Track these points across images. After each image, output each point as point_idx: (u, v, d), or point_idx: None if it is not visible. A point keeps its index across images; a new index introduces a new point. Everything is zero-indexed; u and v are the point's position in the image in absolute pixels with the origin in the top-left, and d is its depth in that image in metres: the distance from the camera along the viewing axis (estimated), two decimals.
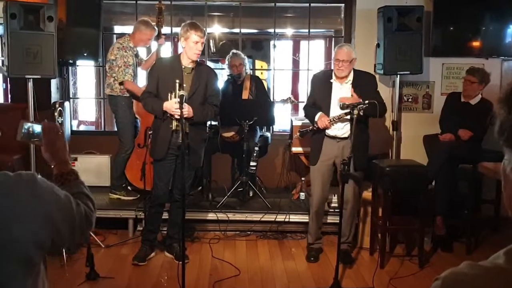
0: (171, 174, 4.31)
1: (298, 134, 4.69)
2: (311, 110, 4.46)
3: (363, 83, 4.30)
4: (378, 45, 5.27)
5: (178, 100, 3.85)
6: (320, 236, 4.66)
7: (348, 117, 4.06)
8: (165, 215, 4.54)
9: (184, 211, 3.70)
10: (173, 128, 4.11)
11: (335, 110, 4.25)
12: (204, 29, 4.21)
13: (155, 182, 4.44)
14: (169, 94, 4.05)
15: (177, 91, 3.97)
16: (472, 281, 0.91)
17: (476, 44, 5.53)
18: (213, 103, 4.26)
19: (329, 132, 4.33)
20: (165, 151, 4.19)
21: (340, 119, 4.21)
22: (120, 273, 4.15)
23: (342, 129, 4.29)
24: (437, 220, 4.69)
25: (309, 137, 4.68)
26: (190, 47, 4.09)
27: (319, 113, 4.31)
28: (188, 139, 4.01)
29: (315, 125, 4.36)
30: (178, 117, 3.93)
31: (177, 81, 4.01)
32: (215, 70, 4.71)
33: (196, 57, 4.17)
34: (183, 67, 4.17)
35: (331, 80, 4.36)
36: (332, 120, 4.24)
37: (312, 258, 4.52)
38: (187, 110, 3.99)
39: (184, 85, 4.08)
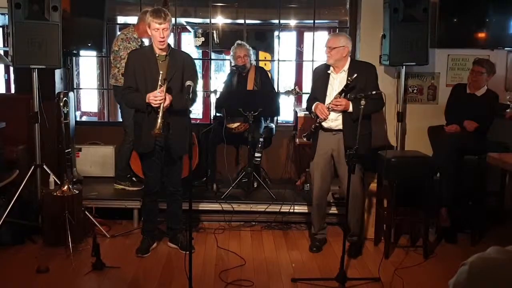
0: (160, 164, 4.26)
1: (304, 138, 4.51)
2: (309, 103, 4.42)
3: (359, 73, 4.11)
4: (383, 36, 5.24)
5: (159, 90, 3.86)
6: (324, 226, 4.66)
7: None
8: (163, 206, 4.53)
9: (190, 202, 3.57)
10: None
11: (329, 100, 4.22)
12: (168, 15, 4.00)
13: (145, 174, 4.43)
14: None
15: (159, 82, 3.91)
16: (501, 266, 0.90)
17: (481, 35, 5.51)
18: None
19: (324, 124, 4.28)
20: (152, 144, 4.13)
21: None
22: (126, 263, 4.16)
23: (336, 121, 4.24)
24: (442, 211, 4.70)
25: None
26: (153, 35, 4.00)
27: (315, 103, 4.28)
28: (171, 129, 3.99)
29: (312, 115, 4.35)
30: (155, 106, 3.90)
31: (161, 72, 3.92)
32: (218, 61, 4.63)
33: (161, 45, 4.01)
34: (156, 55, 4.07)
35: (329, 71, 4.33)
36: (329, 106, 4.18)
37: (314, 248, 4.53)
38: (165, 99, 3.93)
39: (161, 72, 3.97)
